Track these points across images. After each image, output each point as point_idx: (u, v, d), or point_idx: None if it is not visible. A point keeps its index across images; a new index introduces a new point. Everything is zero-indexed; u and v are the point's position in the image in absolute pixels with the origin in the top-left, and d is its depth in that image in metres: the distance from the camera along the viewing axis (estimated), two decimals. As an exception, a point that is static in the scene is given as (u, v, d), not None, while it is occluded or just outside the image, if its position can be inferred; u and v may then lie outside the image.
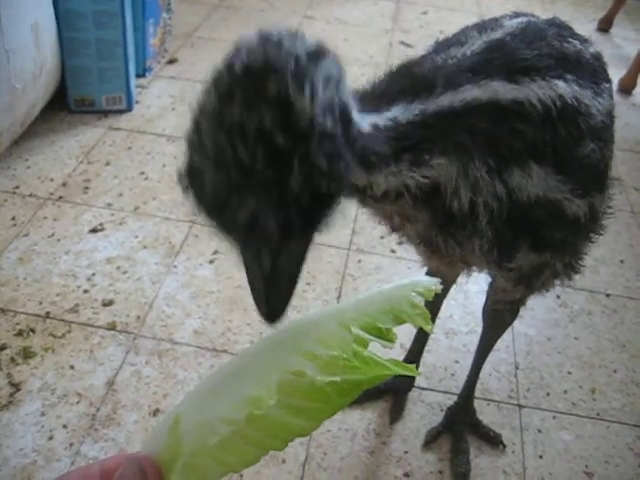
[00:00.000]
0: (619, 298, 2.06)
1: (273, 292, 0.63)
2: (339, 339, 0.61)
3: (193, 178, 0.60)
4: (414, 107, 0.84)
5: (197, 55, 3.13)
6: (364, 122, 0.74)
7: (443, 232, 0.97)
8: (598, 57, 1.09)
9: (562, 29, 1.06)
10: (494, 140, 0.89)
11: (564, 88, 0.93)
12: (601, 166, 1.05)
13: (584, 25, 4.02)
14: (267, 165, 0.55)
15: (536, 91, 0.91)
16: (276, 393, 0.59)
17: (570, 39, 1.03)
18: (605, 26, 4.03)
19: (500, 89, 0.89)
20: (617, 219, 2.39)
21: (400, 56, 3.37)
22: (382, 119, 0.79)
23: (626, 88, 3.35)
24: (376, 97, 0.84)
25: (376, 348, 0.64)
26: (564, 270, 1.15)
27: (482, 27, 1.01)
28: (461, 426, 1.58)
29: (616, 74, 3.42)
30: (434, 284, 0.67)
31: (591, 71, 1.02)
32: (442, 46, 0.99)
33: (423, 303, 0.66)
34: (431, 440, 1.57)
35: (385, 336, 0.65)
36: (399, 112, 0.82)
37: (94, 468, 0.61)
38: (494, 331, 1.48)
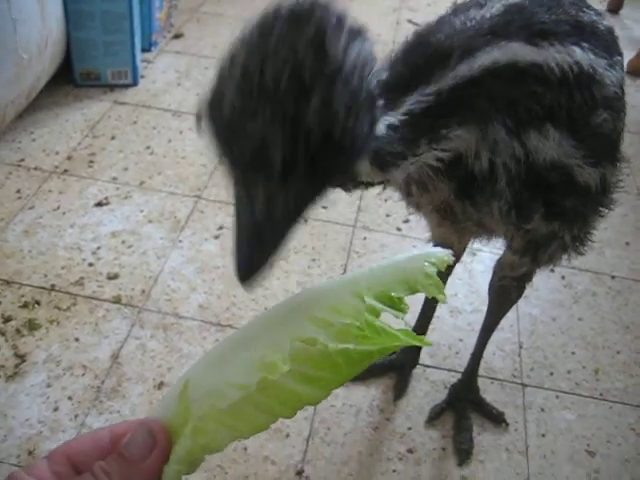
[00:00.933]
0: (624, 280, 2.06)
1: (256, 246, 0.60)
2: (352, 308, 0.61)
3: (213, 104, 0.59)
4: (429, 90, 0.85)
5: (203, 30, 3.11)
6: (381, 124, 0.75)
7: (462, 197, 0.98)
8: (611, 31, 1.09)
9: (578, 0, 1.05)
10: (512, 102, 0.90)
11: (581, 55, 0.94)
12: (613, 136, 1.05)
13: (595, 5, 3.98)
14: (288, 95, 0.55)
15: (554, 55, 0.91)
16: (289, 360, 0.58)
17: (585, 9, 1.03)
18: (615, 7, 3.99)
19: (519, 51, 0.89)
20: (624, 201, 2.38)
21: (407, 35, 3.33)
22: (398, 116, 0.80)
23: (635, 70, 3.32)
24: (392, 86, 0.84)
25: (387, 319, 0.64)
26: (572, 243, 1.15)
27: None
28: (464, 404, 1.59)
29: (625, 56, 3.39)
30: (447, 255, 0.67)
31: (605, 42, 1.02)
32: (461, 8, 0.99)
33: (436, 273, 0.65)
34: (434, 417, 1.58)
35: (397, 306, 0.64)
36: (414, 101, 0.83)
37: (103, 433, 0.61)
38: (500, 308, 1.48)
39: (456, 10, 0.99)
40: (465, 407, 1.59)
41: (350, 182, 0.85)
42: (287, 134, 0.55)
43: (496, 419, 1.60)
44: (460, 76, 0.85)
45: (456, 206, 1.00)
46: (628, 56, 3.37)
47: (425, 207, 1.10)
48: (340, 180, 0.68)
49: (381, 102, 0.69)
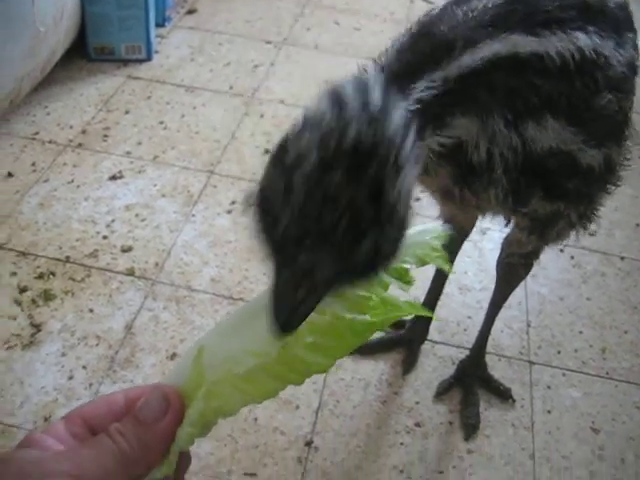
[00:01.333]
0: (633, 261, 2.06)
1: (293, 315, 0.61)
2: None
3: (265, 213, 0.60)
4: (436, 77, 0.86)
5: (216, 6, 3.10)
6: None
7: (461, 183, 1.00)
8: (623, 7, 1.08)
9: None
10: (512, 93, 0.91)
11: (584, 40, 0.94)
12: (618, 117, 1.05)
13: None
14: (345, 231, 0.56)
15: (555, 44, 0.92)
16: (307, 330, 0.61)
17: None
18: None
19: (520, 42, 0.90)
20: (634, 183, 2.39)
21: (421, 13, 3.31)
22: (410, 104, 0.82)
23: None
24: (401, 74, 0.86)
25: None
26: (579, 220, 1.17)
27: None
28: (472, 379, 1.61)
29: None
30: (442, 229, 0.70)
31: (614, 21, 1.02)
32: None
33: (440, 245, 0.68)
34: (442, 392, 1.60)
35: (404, 279, 0.67)
36: (422, 89, 0.84)
37: (118, 396, 0.63)
38: (507, 284, 1.50)
39: (458, 1, 0.99)
40: (473, 383, 1.61)
41: None
42: (336, 260, 0.57)
43: (503, 395, 1.62)
44: (464, 66, 0.87)
45: (456, 191, 1.02)
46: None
47: (430, 189, 1.13)
48: None
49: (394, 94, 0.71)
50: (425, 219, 2.03)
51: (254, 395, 0.62)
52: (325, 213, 0.55)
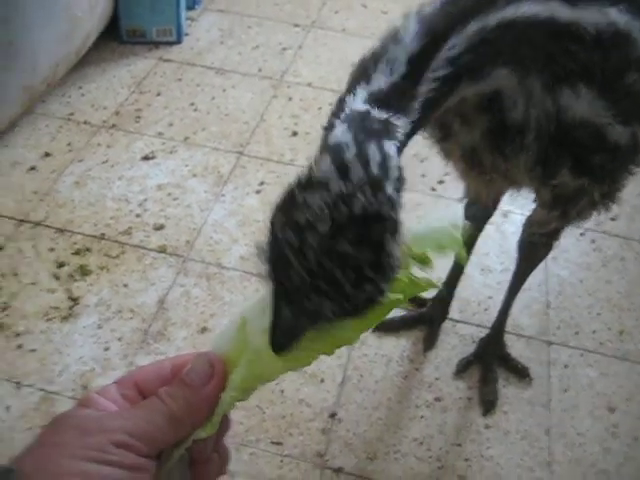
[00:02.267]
0: (654, 246, 2.10)
1: (290, 342, 0.67)
2: None
3: (277, 263, 0.66)
4: (476, 27, 0.86)
5: (246, -11, 3.14)
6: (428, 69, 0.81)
7: (491, 146, 1.04)
8: None
9: None
10: (550, 57, 0.94)
11: (617, 15, 0.96)
12: None
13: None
14: (352, 282, 0.63)
15: (591, 15, 0.94)
16: None
17: None
18: None
19: (558, 8, 0.92)
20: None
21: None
22: (442, 55, 0.84)
23: None
24: (441, 28, 0.86)
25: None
26: (601, 199, 1.20)
27: None
28: (491, 357, 1.66)
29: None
30: (465, 222, 0.75)
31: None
32: None
33: (460, 235, 0.74)
34: (462, 369, 1.66)
35: (424, 261, 0.73)
36: (460, 40, 0.85)
37: (166, 363, 0.69)
38: (528, 264, 1.55)
39: None
40: (492, 361, 1.67)
41: None
42: (341, 306, 0.64)
43: (521, 373, 1.67)
44: (507, 18, 0.88)
45: (484, 156, 1.06)
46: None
47: (455, 154, 1.16)
48: None
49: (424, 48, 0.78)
50: (450, 201, 2.08)
51: (290, 363, 0.68)
52: (335, 268, 0.62)
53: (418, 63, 0.80)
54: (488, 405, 1.60)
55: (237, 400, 0.67)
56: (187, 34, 2.75)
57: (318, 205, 0.63)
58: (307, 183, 0.66)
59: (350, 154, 0.66)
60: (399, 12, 2.67)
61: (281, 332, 0.67)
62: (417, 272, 0.71)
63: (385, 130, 0.72)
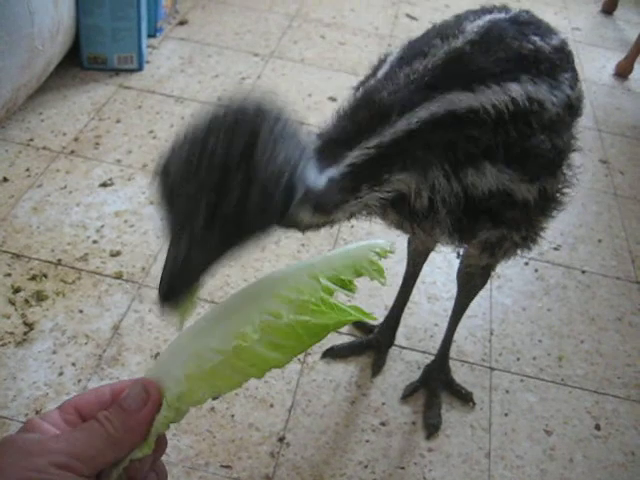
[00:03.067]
0: (594, 275, 2.20)
1: (177, 277, 0.74)
2: (310, 287, 0.74)
3: (164, 171, 0.76)
4: (371, 144, 0.98)
5: (207, 17, 3.21)
6: (321, 179, 0.90)
7: (411, 222, 1.11)
8: (560, 48, 1.20)
9: (524, 26, 1.16)
10: (450, 147, 1.02)
11: (517, 90, 1.05)
12: (551, 154, 1.15)
13: (589, 5, 4.09)
14: (218, 178, 0.72)
15: (490, 97, 1.02)
16: (259, 330, 0.71)
17: (531, 36, 1.14)
18: (609, 8, 4.08)
19: (456, 100, 1.01)
20: (600, 200, 2.52)
21: (405, 29, 3.43)
22: (340, 168, 0.94)
23: (623, 72, 3.41)
24: (338, 141, 0.98)
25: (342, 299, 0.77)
26: (523, 242, 1.30)
27: (444, 34, 1.10)
28: (436, 383, 1.73)
29: (615, 57, 3.52)
30: (389, 246, 0.80)
31: (549, 65, 1.13)
32: (407, 56, 1.09)
33: (379, 260, 0.79)
34: (408, 394, 1.72)
35: (347, 287, 0.77)
36: (357, 154, 0.97)
37: (105, 389, 0.73)
38: (467, 293, 1.63)
39: (402, 59, 1.09)
40: (436, 386, 1.73)
41: (297, 227, 0.97)
42: (213, 204, 0.72)
43: (464, 398, 1.74)
44: (399, 131, 0.98)
45: (407, 227, 1.15)
46: (618, 57, 3.48)
47: (387, 223, 1.24)
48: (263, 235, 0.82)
49: (318, 162, 0.88)
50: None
51: (220, 387, 0.73)
52: (206, 158, 0.72)
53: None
54: (432, 429, 1.66)
55: (170, 421, 0.71)
56: (148, 61, 2.80)
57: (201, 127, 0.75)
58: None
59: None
60: (356, 43, 2.78)
61: (168, 279, 0.73)
62: (339, 300, 0.75)
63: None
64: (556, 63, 1.16)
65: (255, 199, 0.72)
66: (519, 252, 1.34)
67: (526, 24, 1.17)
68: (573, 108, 1.21)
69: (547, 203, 1.23)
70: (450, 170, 1.03)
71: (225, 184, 0.71)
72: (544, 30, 1.19)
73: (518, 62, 1.09)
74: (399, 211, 1.08)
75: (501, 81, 1.04)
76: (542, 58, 1.13)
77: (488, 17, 1.15)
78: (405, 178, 1.01)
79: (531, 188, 1.13)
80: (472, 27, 1.11)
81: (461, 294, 1.64)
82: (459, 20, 1.16)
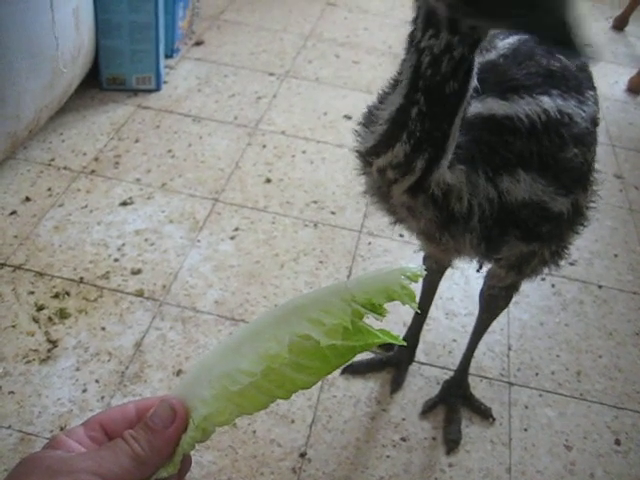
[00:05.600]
0: (610, 290, 2.20)
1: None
2: (341, 311, 0.74)
3: None
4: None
5: (223, 38, 3.26)
6: None
7: (441, 227, 1.12)
8: (584, 67, 1.24)
9: None
10: (491, 150, 1.05)
11: (548, 103, 1.08)
12: (584, 168, 1.19)
13: (600, 22, 4.12)
14: None
15: (523, 107, 1.06)
16: (288, 352, 0.72)
17: (558, 54, 1.17)
18: (620, 24, 4.10)
19: (495, 105, 1.04)
20: (615, 215, 2.53)
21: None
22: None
23: (635, 88, 3.43)
24: None
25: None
26: (551, 258, 1.31)
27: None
28: (455, 399, 1.74)
29: (627, 73, 3.53)
30: (419, 270, 0.77)
31: (576, 82, 1.17)
32: None
33: (410, 284, 0.77)
34: (427, 410, 1.73)
35: (377, 310, 0.76)
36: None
37: (131, 406, 0.73)
38: (489, 314, 1.64)
39: None
40: (456, 402, 1.74)
41: None
42: None
43: (484, 414, 1.75)
44: (468, 115, 0.99)
45: (436, 233, 1.15)
46: (630, 73, 3.50)
47: (413, 230, 1.25)
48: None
49: None
50: (417, 247, 2.17)
51: (246, 408, 0.74)
52: None
53: None
54: (452, 444, 1.67)
55: (197, 441, 0.71)
56: (165, 82, 2.84)
57: None
58: None
59: None
60: (370, 62, 2.81)
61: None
62: (368, 323, 0.75)
63: None
64: (582, 81, 1.19)
65: None
66: (546, 269, 1.35)
67: None
68: (597, 124, 1.24)
69: (578, 218, 1.25)
70: (490, 173, 1.05)
71: None
72: None
73: (548, 77, 1.12)
74: (438, 211, 1.06)
75: (533, 93, 1.07)
76: (569, 76, 1.16)
77: (517, 36, 1.19)
78: (459, 172, 1.02)
79: (565, 201, 1.15)
80: (503, 44, 1.16)
81: (484, 314, 1.65)
82: (490, 37, 1.19)
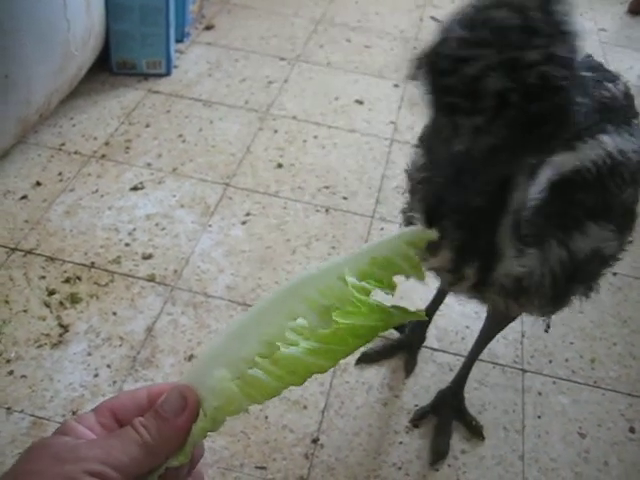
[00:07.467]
0: (625, 277, 2.18)
1: (450, 185, 0.63)
2: (339, 290, 0.69)
3: (437, 46, 0.66)
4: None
5: (233, 22, 3.23)
6: None
7: (509, 300, 1.03)
8: (627, 94, 1.13)
9: (597, 72, 1.11)
10: (562, 215, 0.96)
11: (609, 142, 0.98)
12: (635, 207, 1.10)
13: (615, 7, 4.06)
14: (514, 39, 0.62)
15: (588, 153, 0.96)
16: (298, 336, 0.68)
17: (604, 82, 1.08)
18: (636, 9, 4.05)
19: (562, 161, 0.93)
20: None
21: (430, 32, 3.43)
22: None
23: (650, 73, 3.39)
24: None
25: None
26: (585, 292, 1.20)
27: None
28: (448, 409, 1.66)
29: (641, 59, 3.49)
30: (422, 231, 0.72)
31: (624, 112, 1.07)
32: None
33: (415, 254, 0.70)
34: (417, 419, 1.65)
35: (386, 284, 0.70)
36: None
37: (142, 392, 0.71)
38: (497, 325, 1.56)
39: None
40: (448, 414, 1.67)
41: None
42: (506, 72, 0.61)
43: (474, 431, 1.66)
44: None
45: (500, 305, 1.05)
46: (645, 59, 3.46)
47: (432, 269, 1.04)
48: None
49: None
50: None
51: (257, 397, 0.70)
52: (497, 15, 0.62)
53: None
54: (437, 457, 1.59)
55: (208, 430, 0.69)
56: (176, 66, 2.83)
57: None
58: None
59: None
60: (382, 47, 2.79)
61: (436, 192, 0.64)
62: (381, 301, 0.70)
63: None
64: (628, 110, 1.10)
65: (557, 79, 0.61)
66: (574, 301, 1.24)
67: (596, 70, 1.13)
68: None
69: (617, 256, 1.15)
70: (561, 236, 0.97)
71: (522, 55, 0.60)
72: (611, 75, 1.13)
73: (602, 112, 1.02)
74: (507, 292, 0.98)
75: (594, 134, 0.98)
76: (618, 106, 1.07)
77: None
78: (533, 255, 0.93)
79: (616, 243, 1.06)
80: None
81: (491, 325, 1.57)
82: None
